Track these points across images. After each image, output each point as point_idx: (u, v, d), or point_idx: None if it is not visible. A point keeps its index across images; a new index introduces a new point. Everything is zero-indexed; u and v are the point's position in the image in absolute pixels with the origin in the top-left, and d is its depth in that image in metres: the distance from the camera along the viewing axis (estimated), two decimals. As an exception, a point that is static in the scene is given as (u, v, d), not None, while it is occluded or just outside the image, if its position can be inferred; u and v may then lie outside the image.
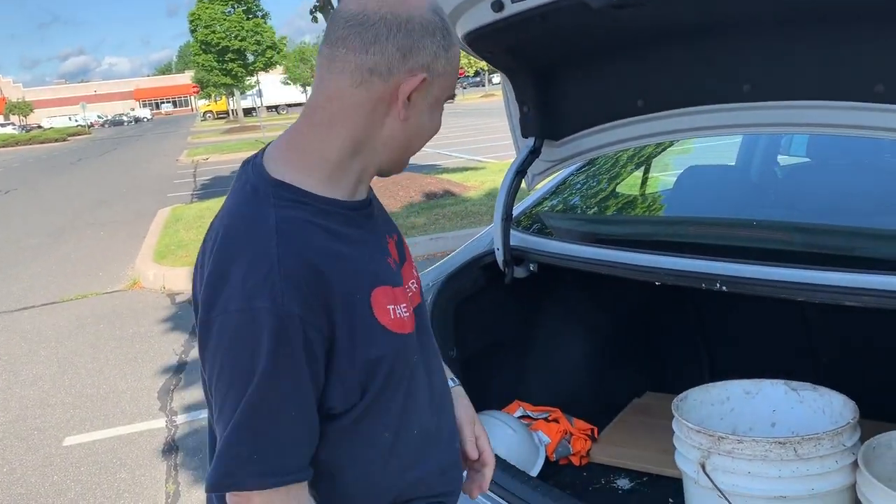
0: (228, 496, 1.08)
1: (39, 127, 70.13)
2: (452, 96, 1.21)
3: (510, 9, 1.71)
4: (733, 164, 3.15)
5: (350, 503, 1.20)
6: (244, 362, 1.03)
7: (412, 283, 1.28)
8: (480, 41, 1.92)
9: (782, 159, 3.21)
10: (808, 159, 3.13)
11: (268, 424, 1.05)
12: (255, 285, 1.03)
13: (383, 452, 1.20)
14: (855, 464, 1.53)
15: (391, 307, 1.15)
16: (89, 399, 4.91)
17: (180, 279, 7.65)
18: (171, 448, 4.10)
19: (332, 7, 10.52)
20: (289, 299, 1.03)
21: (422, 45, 1.11)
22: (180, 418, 4.47)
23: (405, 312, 1.18)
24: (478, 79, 69.95)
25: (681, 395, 1.82)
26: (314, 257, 1.07)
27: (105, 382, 5.20)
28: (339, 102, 1.12)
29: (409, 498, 1.25)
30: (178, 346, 5.81)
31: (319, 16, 11.26)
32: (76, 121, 69.60)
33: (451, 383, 1.41)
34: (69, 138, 50.62)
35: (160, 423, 4.45)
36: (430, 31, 1.11)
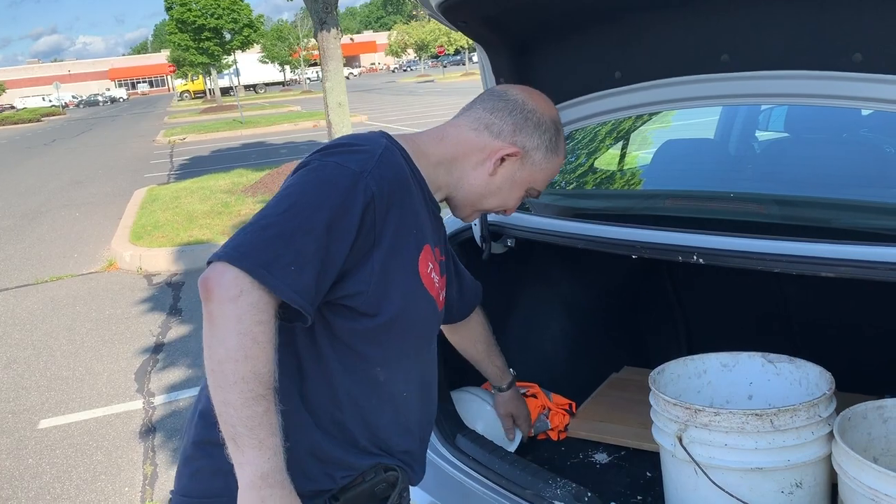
0: (213, 266, 1.16)
1: (12, 107, 68.90)
2: (535, 194, 1.54)
3: (485, -24, 1.68)
4: (711, 138, 3.15)
5: (312, 411, 1.31)
6: (312, 193, 1.23)
7: (442, 295, 1.48)
8: (454, 10, 1.88)
9: (760, 135, 3.21)
10: (785, 134, 3.13)
11: (290, 236, 1.18)
12: (356, 158, 1.28)
13: (367, 387, 1.35)
14: (830, 434, 1.53)
15: (431, 265, 1.39)
16: (65, 381, 4.86)
17: (157, 260, 7.56)
18: (148, 430, 4.06)
19: (309, -17, 10.37)
20: (372, 177, 1.26)
21: (531, 132, 1.46)
22: (158, 400, 4.43)
23: (437, 282, 1.41)
24: (458, 57, 69.55)
25: (658, 369, 1.81)
26: (401, 176, 1.32)
27: (81, 365, 5.14)
28: (455, 132, 1.47)
29: (363, 448, 1.38)
30: (156, 327, 5.75)
31: (296, -8, 11.11)
32: (50, 101, 68.39)
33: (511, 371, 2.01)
34: (43, 119, 49.79)
35: (137, 404, 4.41)
36: (543, 129, 1.47)
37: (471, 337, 1.97)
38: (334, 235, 1.21)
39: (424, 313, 1.40)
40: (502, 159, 1.45)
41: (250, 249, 1.16)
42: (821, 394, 1.59)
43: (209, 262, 1.18)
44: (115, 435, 4.05)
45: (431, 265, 1.39)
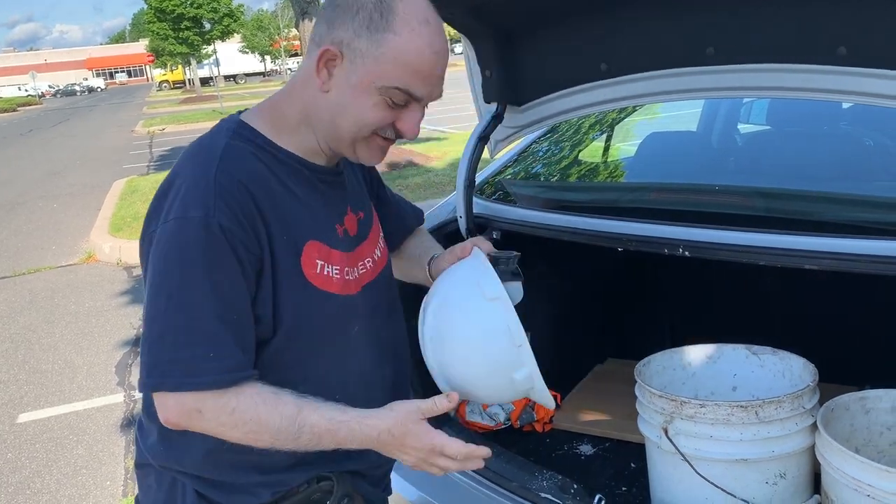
0: (155, 398, 1.15)
1: (-13, 97, 67.85)
2: (410, 96, 1.18)
3: (471, -32, 1.67)
4: (694, 131, 3.16)
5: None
6: (177, 272, 1.11)
7: (368, 261, 1.35)
8: (440, 1, 1.86)
9: (742, 127, 3.23)
10: (767, 127, 3.15)
11: (187, 327, 1.11)
12: (192, 198, 1.12)
13: None
14: (814, 426, 1.55)
15: (321, 263, 1.23)
16: (44, 375, 4.80)
17: (137, 252, 7.49)
18: (129, 423, 4.03)
19: (290, -27, 10.27)
20: (219, 212, 1.11)
21: (343, 20, 1.15)
22: (139, 393, 4.40)
23: (336, 274, 1.25)
24: (440, 48, 69.32)
25: (643, 361, 1.82)
26: (248, 181, 1.16)
27: (60, 358, 5.09)
28: (300, 71, 1.25)
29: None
30: (136, 319, 5.70)
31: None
32: (26, 91, 67.46)
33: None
34: (19, 109, 49.09)
35: (118, 398, 4.37)
36: (355, 10, 1.15)
37: (404, 255, 1.63)
38: (226, 293, 1.12)
39: (328, 314, 1.24)
40: (326, 69, 1.17)
41: (164, 366, 1.11)
42: (804, 385, 1.61)
43: (141, 390, 1.19)
44: (95, 429, 4.01)
45: (321, 261, 1.23)
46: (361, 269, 1.32)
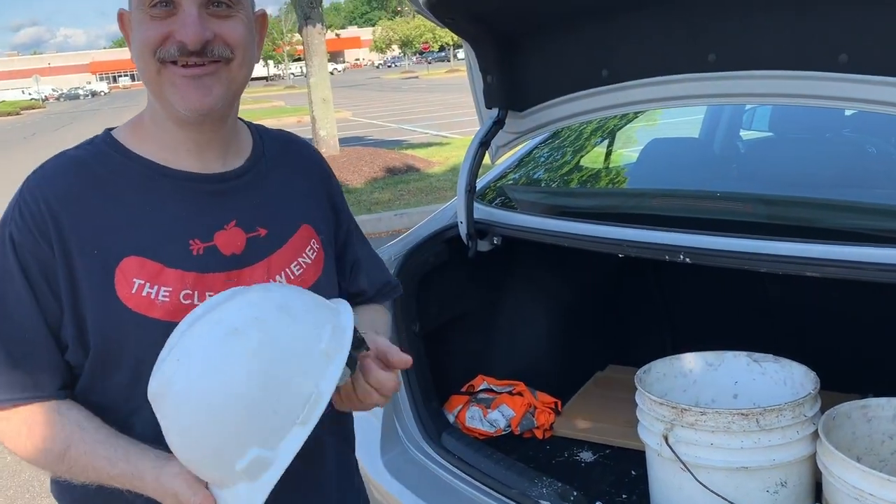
0: None
1: (-9, 100, 68.07)
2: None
3: (473, -27, 1.67)
4: (696, 137, 3.16)
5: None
6: None
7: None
8: (442, 7, 1.87)
9: (745, 134, 3.23)
10: (770, 133, 3.15)
11: None
12: (9, 205, 1.08)
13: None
14: (815, 434, 1.54)
15: (140, 282, 1.06)
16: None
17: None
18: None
19: (294, -22, 10.31)
20: (13, 221, 1.06)
21: None
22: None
23: (165, 296, 1.06)
24: (443, 54, 69.53)
25: (644, 368, 1.82)
26: (53, 194, 1.06)
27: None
28: None
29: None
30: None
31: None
32: (29, 94, 67.66)
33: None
34: (22, 112, 49.19)
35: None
36: None
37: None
38: (9, 307, 1.05)
39: (147, 340, 1.05)
40: (126, 32, 1.11)
41: None
42: (806, 393, 1.60)
43: None
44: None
45: (141, 280, 1.06)
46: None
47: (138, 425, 1.08)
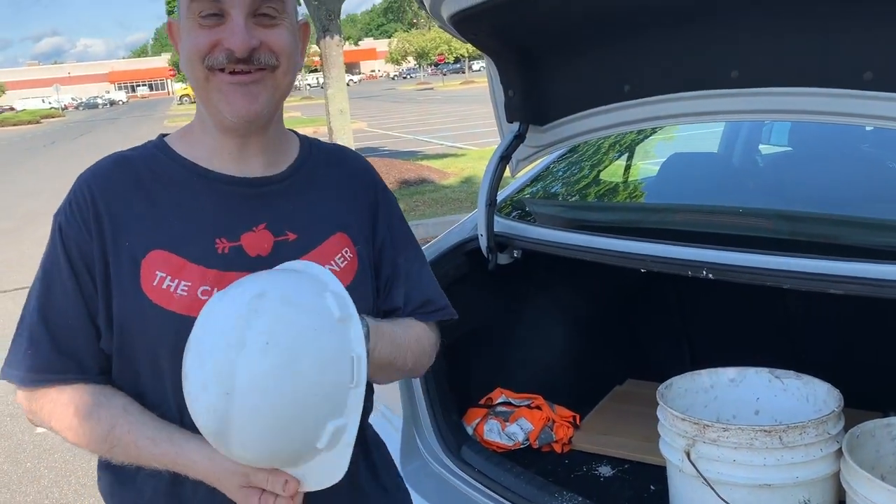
0: None
1: (11, 109, 68.90)
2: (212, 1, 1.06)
3: (497, -10, 1.68)
4: (715, 152, 3.16)
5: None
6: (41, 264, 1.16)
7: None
8: (466, 23, 1.88)
9: (764, 148, 3.22)
10: (789, 148, 3.14)
11: (22, 317, 1.13)
12: (61, 203, 1.16)
13: None
14: (839, 452, 1.53)
15: (162, 275, 1.10)
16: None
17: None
18: (147, 435, 4.04)
19: (313, -10, 10.40)
20: (63, 211, 1.14)
21: None
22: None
23: (184, 290, 1.09)
24: (458, 65, 69.72)
25: (665, 383, 1.81)
26: (98, 186, 1.13)
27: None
28: None
29: None
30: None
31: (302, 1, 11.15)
32: (49, 103, 68.47)
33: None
34: (42, 121, 49.77)
35: (136, 409, 4.39)
36: None
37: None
38: (53, 291, 1.12)
39: (161, 332, 1.09)
40: (175, 40, 1.16)
41: (9, 355, 1.14)
42: (829, 411, 1.59)
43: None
44: (113, 440, 4.03)
45: (163, 273, 1.10)
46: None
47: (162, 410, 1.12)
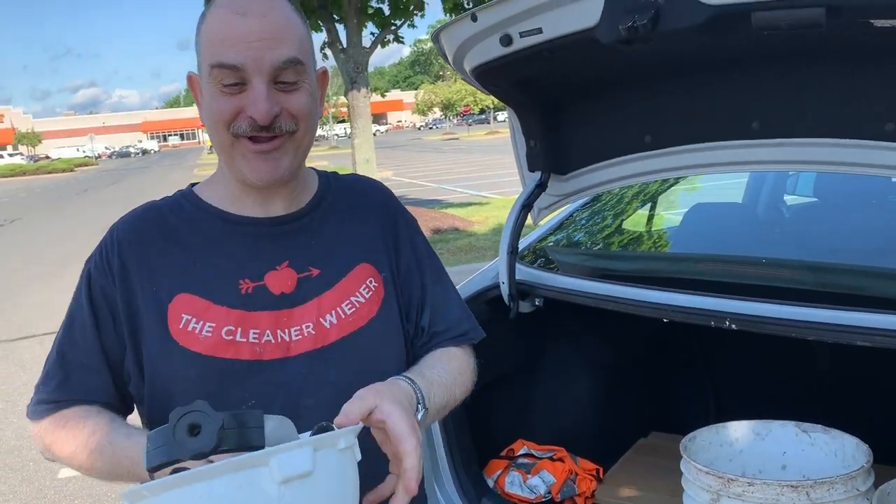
0: None
1: (47, 157, 70.76)
2: (232, 70, 1.08)
3: (518, 43, 1.71)
4: (740, 202, 3.15)
5: None
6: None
7: (303, 328, 1.14)
8: (488, 75, 1.92)
9: (789, 199, 3.21)
10: (814, 199, 3.12)
11: (50, 358, 1.20)
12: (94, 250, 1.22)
13: None
14: (869, 509, 1.49)
15: (187, 318, 1.13)
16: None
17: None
18: (167, 482, 4.03)
19: (341, 43, 10.67)
20: (94, 258, 1.20)
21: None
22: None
23: (209, 332, 1.11)
24: (483, 116, 70.59)
25: (689, 436, 1.78)
26: (125, 235, 1.19)
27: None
28: None
29: None
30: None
31: (328, 52, 11.43)
32: (83, 152, 70.24)
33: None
34: (76, 169, 51.02)
35: (157, 456, 4.39)
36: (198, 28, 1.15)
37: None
38: (74, 332, 1.18)
39: (187, 373, 1.11)
40: (197, 94, 1.18)
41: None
42: (858, 466, 1.55)
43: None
44: (134, 486, 4.02)
45: (188, 316, 1.12)
46: (290, 335, 1.14)
47: None
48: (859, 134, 1.56)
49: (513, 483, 2.19)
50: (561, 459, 2.24)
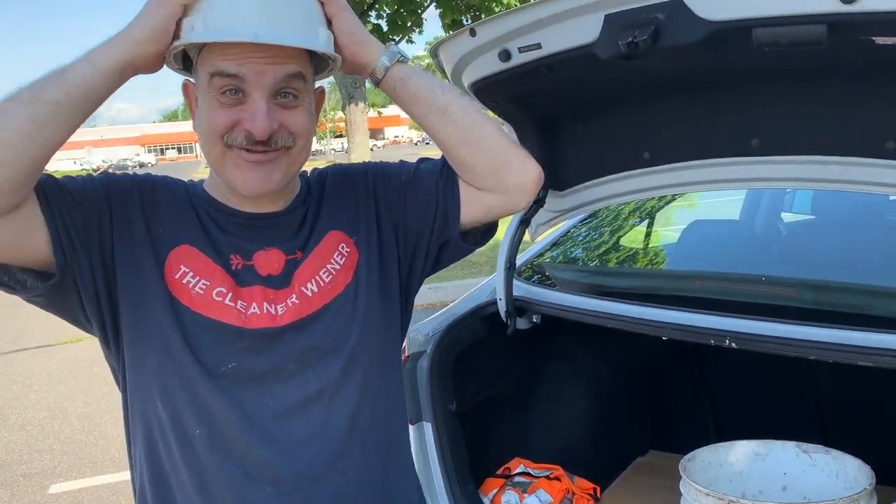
0: None
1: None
2: (230, 78, 1.07)
3: (517, 59, 1.71)
4: (737, 219, 3.14)
5: None
6: None
7: (279, 307, 1.15)
8: (486, 90, 1.91)
9: (786, 216, 3.20)
10: (812, 216, 3.12)
11: None
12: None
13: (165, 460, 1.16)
14: (872, 532, 1.47)
15: (185, 269, 1.13)
16: (78, 445, 4.81)
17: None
18: (159, 498, 3.98)
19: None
20: (112, 176, 1.19)
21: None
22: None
23: (201, 289, 1.12)
24: (480, 131, 70.62)
25: (688, 456, 1.76)
26: (141, 185, 1.17)
27: (95, 428, 5.09)
28: None
29: None
30: (172, 392, 5.70)
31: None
32: (81, 165, 70.24)
33: None
34: (73, 182, 50.97)
35: (149, 471, 4.34)
36: None
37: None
38: (75, 182, 1.15)
39: (169, 324, 1.11)
40: (191, 101, 1.18)
41: None
42: (861, 488, 1.53)
43: None
44: (126, 502, 3.97)
45: (186, 268, 1.13)
46: (276, 310, 1.15)
47: (177, 417, 1.12)
48: (860, 152, 1.56)
49: (509, 502, 2.16)
50: (558, 478, 2.21)
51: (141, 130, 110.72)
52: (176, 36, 1.07)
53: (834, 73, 1.51)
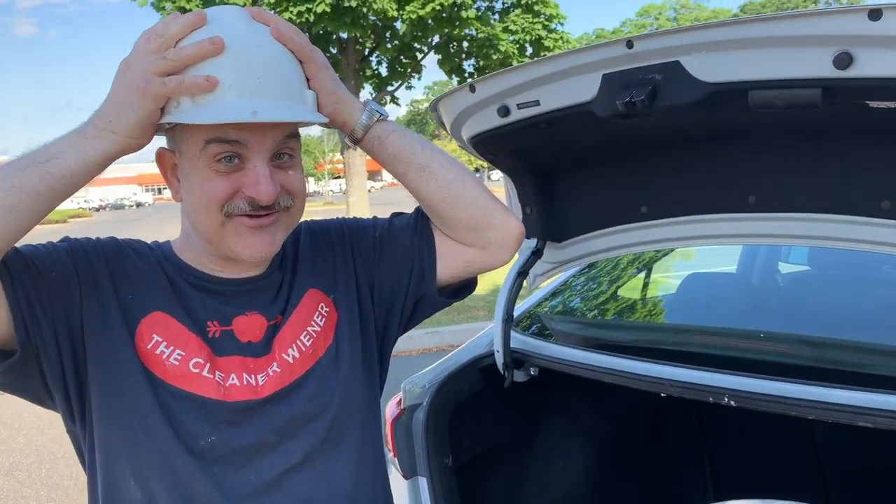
0: None
1: (41, 208, 70.49)
2: (227, 145, 1.03)
3: (516, 115, 1.73)
4: (734, 270, 3.14)
5: None
6: None
7: (259, 377, 1.12)
8: (485, 144, 1.92)
9: (783, 267, 3.21)
10: (808, 268, 3.12)
11: None
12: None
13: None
14: None
15: (158, 339, 1.08)
16: (65, 492, 4.72)
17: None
18: (146, 548, 3.89)
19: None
20: (85, 239, 1.13)
21: None
22: None
23: (176, 360, 1.07)
24: (477, 175, 71.27)
25: (687, 515, 1.73)
26: (110, 249, 1.12)
27: (83, 474, 5.00)
28: None
29: None
30: (163, 437, 5.62)
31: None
32: (78, 203, 70.39)
33: None
34: (69, 220, 50.99)
35: (138, 520, 4.25)
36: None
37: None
38: (42, 251, 1.08)
39: (144, 400, 1.05)
40: (173, 177, 1.12)
41: None
42: (863, 552, 1.50)
43: None
44: (112, 553, 3.88)
45: (160, 337, 1.08)
46: (256, 380, 1.11)
47: (152, 498, 1.06)
48: (856, 210, 1.56)
49: (505, 560, 2.12)
50: (555, 535, 2.17)
51: (138, 170, 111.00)
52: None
53: (829, 133, 1.53)
